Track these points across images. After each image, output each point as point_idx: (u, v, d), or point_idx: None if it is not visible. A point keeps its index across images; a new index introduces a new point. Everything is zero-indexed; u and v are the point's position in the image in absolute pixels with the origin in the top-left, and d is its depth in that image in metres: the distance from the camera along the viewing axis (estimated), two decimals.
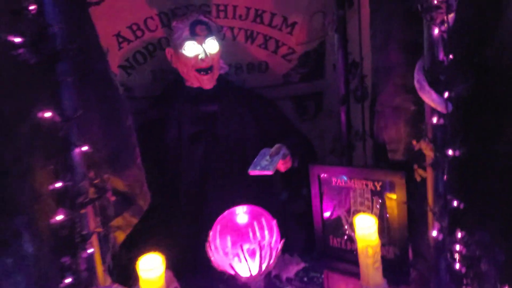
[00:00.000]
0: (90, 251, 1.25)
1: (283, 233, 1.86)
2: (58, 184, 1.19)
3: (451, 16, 1.43)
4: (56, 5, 1.18)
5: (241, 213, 1.75)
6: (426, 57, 1.46)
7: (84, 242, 1.24)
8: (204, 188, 2.18)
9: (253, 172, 1.89)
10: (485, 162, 1.60)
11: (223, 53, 2.29)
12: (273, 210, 2.18)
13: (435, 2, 1.39)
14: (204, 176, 2.19)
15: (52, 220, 1.20)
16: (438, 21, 1.40)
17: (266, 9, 2.45)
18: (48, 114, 1.17)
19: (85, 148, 1.23)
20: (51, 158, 1.22)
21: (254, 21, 2.46)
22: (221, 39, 2.30)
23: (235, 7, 2.42)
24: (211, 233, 1.74)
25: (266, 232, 1.72)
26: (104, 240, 1.37)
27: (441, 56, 1.45)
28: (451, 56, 1.45)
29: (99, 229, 1.32)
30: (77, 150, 1.21)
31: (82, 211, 1.24)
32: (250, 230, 1.69)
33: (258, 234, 1.70)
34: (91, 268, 1.28)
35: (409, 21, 1.51)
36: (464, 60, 1.52)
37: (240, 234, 1.68)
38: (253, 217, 1.74)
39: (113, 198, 1.41)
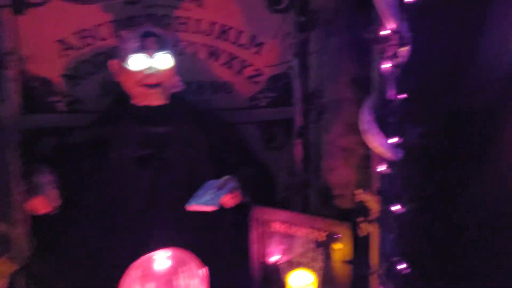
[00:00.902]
0: None
1: (227, 277, 1.68)
2: None
3: (405, 49, 1.25)
4: None
5: (162, 259, 1.57)
6: (375, 95, 1.28)
7: None
8: (148, 221, 1.99)
9: (192, 207, 1.71)
10: (442, 219, 1.41)
11: (183, 70, 2.13)
12: (222, 250, 2.03)
13: (386, 33, 1.21)
14: (149, 207, 2.00)
15: None
16: (388, 54, 1.22)
17: (232, 26, 2.32)
18: None
19: None
20: None
21: (218, 37, 2.33)
22: (178, 55, 2.14)
23: (198, 21, 2.28)
24: (122, 282, 1.55)
25: (191, 283, 1.53)
26: None
27: (392, 95, 1.27)
28: (404, 96, 1.27)
29: None
30: None
31: None
32: (170, 279, 1.51)
33: (185, 283, 1.51)
34: None
35: (360, 53, 1.34)
36: (422, 102, 1.34)
37: (158, 285, 1.50)
38: (176, 264, 1.56)
39: None
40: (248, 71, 2.37)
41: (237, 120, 2.34)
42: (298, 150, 1.93)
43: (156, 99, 2.04)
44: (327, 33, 1.54)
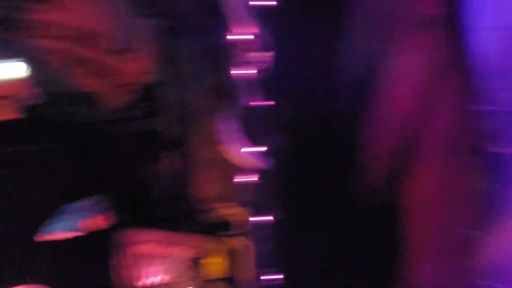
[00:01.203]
0: None
1: None
2: None
3: (266, 55, 1.23)
4: None
5: None
6: (233, 103, 1.25)
7: None
8: (4, 253, 1.79)
9: (44, 236, 1.55)
10: (312, 229, 1.42)
11: (44, 80, 1.96)
12: (91, 278, 1.88)
13: (242, 38, 1.19)
14: (2, 238, 1.79)
15: None
16: (245, 60, 1.20)
17: (102, 31, 2.19)
18: None
19: None
20: None
21: (86, 44, 2.18)
22: (35, 63, 1.97)
23: (61, 25, 2.12)
24: None
25: None
26: None
27: (252, 103, 1.25)
28: (267, 103, 1.26)
29: None
30: None
31: None
32: None
33: None
34: None
35: (223, 60, 1.31)
36: (285, 108, 1.33)
37: None
38: None
39: None
40: (119, 80, 2.26)
41: (108, 133, 2.22)
42: (169, 163, 1.86)
43: (3, 114, 1.86)
44: (193, 40, 1.50)
